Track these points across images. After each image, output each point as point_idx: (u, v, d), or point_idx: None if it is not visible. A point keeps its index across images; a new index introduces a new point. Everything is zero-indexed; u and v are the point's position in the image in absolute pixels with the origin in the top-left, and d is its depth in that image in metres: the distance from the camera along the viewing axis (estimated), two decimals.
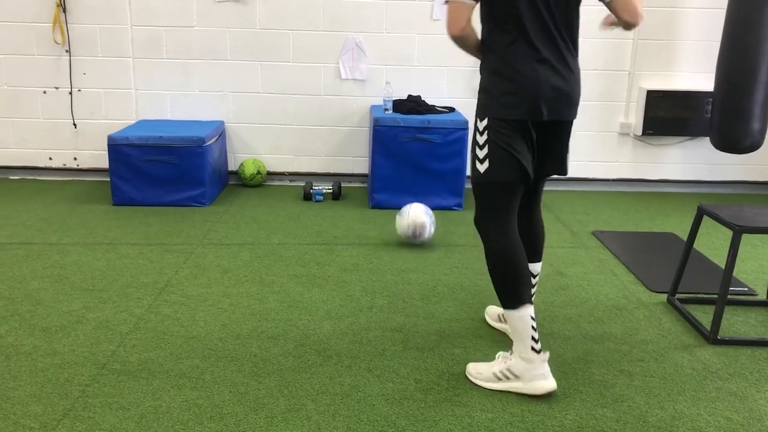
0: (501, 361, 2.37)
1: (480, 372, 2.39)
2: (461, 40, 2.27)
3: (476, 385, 2.37)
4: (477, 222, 2.39)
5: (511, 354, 2.36)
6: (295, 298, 3.05)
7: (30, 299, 2.96)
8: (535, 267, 2.59)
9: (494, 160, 2.27)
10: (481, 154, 2.30)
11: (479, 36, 2.34)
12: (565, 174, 2.46)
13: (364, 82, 4.85)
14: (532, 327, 2.27)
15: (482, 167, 2.29)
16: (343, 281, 3.24)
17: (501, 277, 2.30)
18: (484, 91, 2.32)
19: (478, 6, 2.27)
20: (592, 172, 5.05)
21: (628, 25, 2.27)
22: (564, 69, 2.27)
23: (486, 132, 2.28)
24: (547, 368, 2.31)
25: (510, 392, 2.32)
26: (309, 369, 2.45)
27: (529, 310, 2.28)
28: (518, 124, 2.26)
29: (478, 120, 2.32)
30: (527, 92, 2.23)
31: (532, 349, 2.28)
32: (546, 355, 2.31)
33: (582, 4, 2.30)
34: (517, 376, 2.31)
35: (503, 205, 2.31)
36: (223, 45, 4.74)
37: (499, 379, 2.34)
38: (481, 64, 2.36)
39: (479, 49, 2.34)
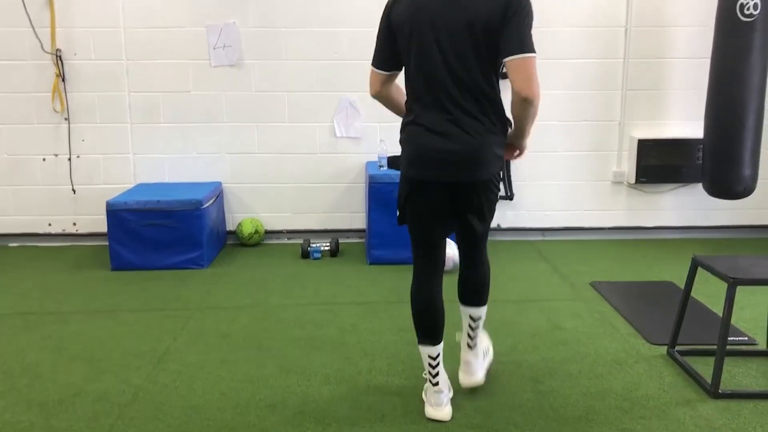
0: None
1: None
2: (377, 99, 2.54)
3: None
4: None
5: None
6: (293, 362, 3.03)
7: (28, 372, 2.95)
8: (476, 311, 2.69)
9: (402, 210, 2.53)
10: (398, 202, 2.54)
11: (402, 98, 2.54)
12: (479, 236, 2.57)
13: (359, 140, 4.92)
14: (430, 364, 2.56)
15: (398, 213, 2.56)
16: (342, 343, 3.23)
17: (413, 316, 2.59)
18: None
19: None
20: (587, 221, 5.08)
21: (516, 104, 2.28)
22: (459, 131, 2.33)
23: (399, 184, 2.53)
24: (437, 398, 2.56)
25: None
26: None
27: (427, 350, 2.55)
28: (417, 183, 2.43)
29: None
30: (414, 153, 2.41)
31: (428, 380, 2.59)
32: (438, 387, 2.55)
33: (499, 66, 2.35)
34: (425, 395, 2.64)
35: (417, 254, 2.57)
36: (220, 108, 4.83)
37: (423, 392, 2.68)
38: None
39: (401, 110, 2.54)
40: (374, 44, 2.51)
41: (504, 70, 2.32)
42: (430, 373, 2.57)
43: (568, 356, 3.09)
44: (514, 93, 2.25)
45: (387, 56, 2.47)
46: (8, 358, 3.10)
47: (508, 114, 2.40)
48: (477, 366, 2.73)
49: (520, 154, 2.58)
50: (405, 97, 2.50)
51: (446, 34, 2.27)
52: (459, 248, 2.70)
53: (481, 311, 2.72)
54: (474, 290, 2.69)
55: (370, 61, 2.53)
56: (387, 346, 3.19)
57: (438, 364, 2.56)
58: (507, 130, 2.45)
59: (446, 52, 2.28)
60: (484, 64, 2.29)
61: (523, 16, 2.22)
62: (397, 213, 2.56)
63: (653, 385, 2.81)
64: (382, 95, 2.53)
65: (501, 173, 2.55)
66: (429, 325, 2.55)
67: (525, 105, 2.25)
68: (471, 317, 2.70)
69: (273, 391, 2.77)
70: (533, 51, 2.23)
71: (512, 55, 2.22)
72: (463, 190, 2.43)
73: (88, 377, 2.90)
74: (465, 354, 2.73)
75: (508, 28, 2.21)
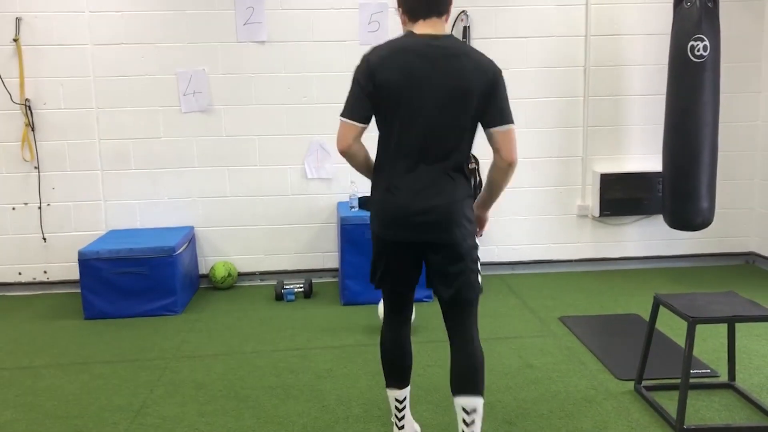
0: None
1: None
2: (347, 156, 2.45)
3: None
4: None
5: None
6: (270, 412, 3.06)
7: None
8: (468, 401, 2.42)
9: (372, 263, 2.55)
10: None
11: (370, 154, 2.50)
12: (460, 302, 2.44)
13: (330, 181, 5.00)
14: (396, 407, 2.66)
15: (371, 269, 2.57)
16: (318, 390, 3.27)
17: (381, 360, 2.68)
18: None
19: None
20: (555, 254, 5.21)
21: (501, 168, 2.39)
22: (426, 194, 2.36)
23: (372, 242, 2.55)
24: None
25: None
26: None
27: (394, 393, 2.65)
28: (383, 239, 2.47)
29: None
30: (379, 211, 2.46)
31: (395, 424, 2.68)
32: (403, 431, 2.65)
33: (478, 130, 2.42)
34: None
35: (385, 302, 2.63)
36: (190, 153, 4.88)
37: None
38: None
39: (369, 167, 2.51)
40: (348, 98, 2.42)
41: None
42: (396, 416, 2.67)
43: (539, 395, 3.17)
44: (501, 159, 2.38)
45: (365, 111, 2.41)
46: None
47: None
48: None
49: (482, 228, 2.62)
50: (368, 154, 2.49)
51: (437, 101, 2.33)
52: (445, 323, 2.53)
53: (475, 402, 2.42)
54: (468, 373, 2.45)
55: (340, 113, 2.44)
56: (363, 392, 3.24)
57: (404, 407, 2.66)
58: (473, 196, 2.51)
59: (434, 118, 2.34)
60: (466, 132, 2.39)
61: (504, 88, 2.39)
62: (371, 269, 2.57)
63: (621, 423, 2.90)
64: (354, 149, 2.42)
65: (477, 246, 2.47)
66: (396, 369, 2.63)
67: (509, 170, 2.40)
68: (464, 410, 2.42)
69: None
70: (514, 121, 2.39)
71: (500, 125, 2.36)
72: (433, 252, 2.43)
73: None
74: None
75: (495, 100, 2.36)
